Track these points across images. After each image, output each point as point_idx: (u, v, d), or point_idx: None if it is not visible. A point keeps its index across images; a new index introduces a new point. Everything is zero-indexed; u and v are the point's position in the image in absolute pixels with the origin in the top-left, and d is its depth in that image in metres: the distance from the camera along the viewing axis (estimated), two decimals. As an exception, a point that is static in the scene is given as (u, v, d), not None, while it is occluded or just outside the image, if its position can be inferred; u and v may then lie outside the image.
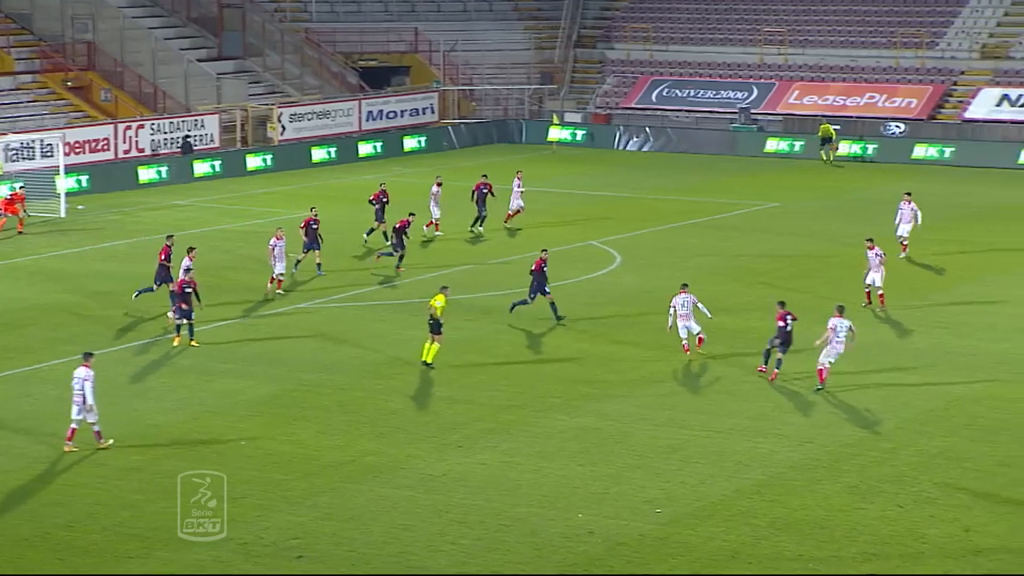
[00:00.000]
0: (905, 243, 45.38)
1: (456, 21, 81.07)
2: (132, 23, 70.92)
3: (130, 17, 71.34)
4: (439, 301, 33.84)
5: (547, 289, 37.73)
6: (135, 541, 24.05)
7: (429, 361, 33.62)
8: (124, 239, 49.59)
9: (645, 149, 71.81)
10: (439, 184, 49.67)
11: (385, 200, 47.49)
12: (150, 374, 33.70)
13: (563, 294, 40.88)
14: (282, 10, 78.42)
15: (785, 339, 32.73)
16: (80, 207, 53.95)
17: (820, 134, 67.89)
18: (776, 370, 32.89)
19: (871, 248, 38.69)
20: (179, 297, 35.50)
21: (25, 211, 50.76)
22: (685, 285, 34.98)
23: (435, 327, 33.72)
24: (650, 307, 38.91)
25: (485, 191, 49.79)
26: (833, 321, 32.06)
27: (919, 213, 45.48)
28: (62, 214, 53.09)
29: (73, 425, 27.92)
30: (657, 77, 77.64)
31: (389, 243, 44.48)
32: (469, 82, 78.10)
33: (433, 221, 48.95)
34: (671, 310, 34.55)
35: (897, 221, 45.68)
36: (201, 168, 63.26)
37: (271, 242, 40.77)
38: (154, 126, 64.43)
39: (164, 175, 61.64)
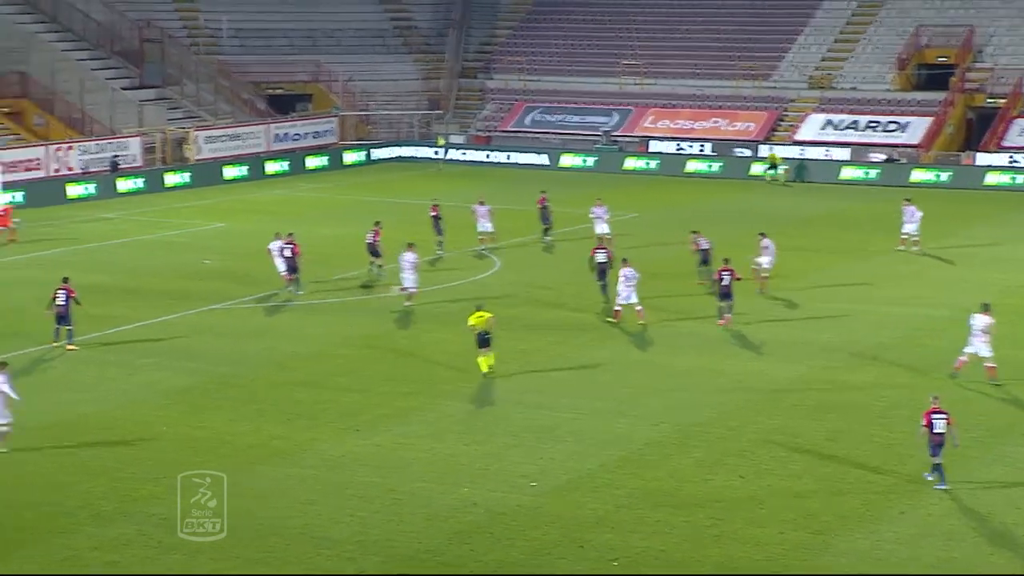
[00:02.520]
0: (916, 239, 47.24)
1: (354, 54, 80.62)
2: (62, 56, 69.75)
3: (60, 51, 70.17)
4: (479, 318, 32.24)
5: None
6: (65, 518, 23.55)
7: (486, 371, 31.99)
8: (54, 249, 48.64)
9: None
10: (482, 203, 48.47)
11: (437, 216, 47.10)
12: (79, 369, 33.02)
13: (449, 295, 40.86)
14: (197, 44, 77.47)
15: (723, 292, 36.17)
16: (16, 220, 52.67)
17: (769, 161, 67.98)
18: (727, 315, 36.72)
19: (763, 237, 41.11)
20: (60, 306, 33.99)
21: (15, 224, 49.67)
22: (625, 260, 37.21)
23: (485, 341, 32.15)
24: (524, 305, 39.00)
25: (547, 205, 49.62)
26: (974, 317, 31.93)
27: (920, 214, 47.62)
28: (-1, 226, 52.00)
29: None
30: (530, 104, 77.82)
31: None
32: (365, 108, 77.70)
33: (484, 234, 47.97)
34: (621, 278, 36.76)
35: (903, 221, 47.75)
36: (125, 185, 62.29)
37: (406, 256, 38.82)
38: (83, 147, 63.41)
39: (92, 191, 60.65)
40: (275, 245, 41.16)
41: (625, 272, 36.81)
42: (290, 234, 41.32)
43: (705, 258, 41.53)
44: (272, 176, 68.15)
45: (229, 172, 66.79)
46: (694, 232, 42.72)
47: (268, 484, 25.26)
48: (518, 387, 31.80)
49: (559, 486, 25.33)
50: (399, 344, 35.70)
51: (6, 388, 26.70)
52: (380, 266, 42.94)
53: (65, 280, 35.05)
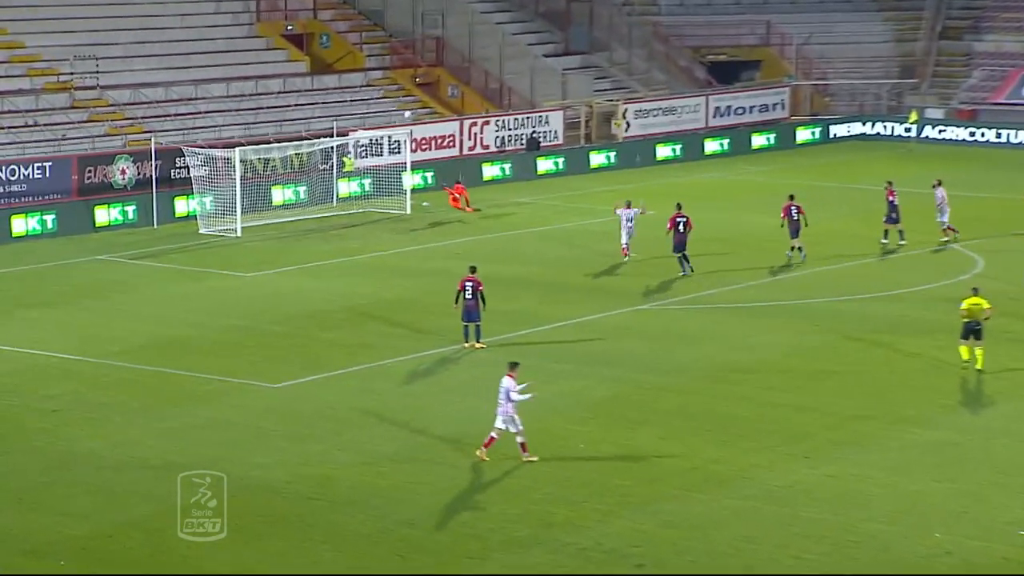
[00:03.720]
0: None
1: (811, 12, 79.96)
2: (481, 18, 72.23)
3: (479, 12, 72.65)
4: (974, 303, 32.70)
5: None
6: (475, 542, 24.39)
7: (980, 367, 32.66)
8: (465, 237, 50.54)
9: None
10: (936, 185, 48.15)
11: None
12: (487, 373, 34.02)
13: (919, 299, 39.90)
14: (630, 3, 78.80)
15: None
16: (424, 204, 55.09)
17: None
18: None
19: None
20: (467, 300, 35.26)
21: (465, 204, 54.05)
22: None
23: (974, 332, 32.62)
24: (1011, 315, 37.56)
25: None
26: None
27: None
28: (407, 211, 54.47)
29: (492, 434, 27.78)
30: (1030, 71, 74.98)
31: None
32: (823, 76, 76.88)
33: (948, 227, 47.67)
34: None
35: None
36: (544, 165, 63.99)
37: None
38: (499, 123, 65.59)
39: (508, 172, 62.64)
40: (626, 212, 44.75)
41: None
42: (679, 205, 44.32)
43: None
44: (710, 156, 68.52)
45: (661, 151, 67.64)
46: None
47: (702, 514, 25.38)
48: (1003, 414, 30.71)
49: (1056, 538, 24.28)
50: (854, 356, 35.10)
51: (515, 394, 27.67)
52: (799, 248, 44.11)
53: (472, 270, 36.23)
